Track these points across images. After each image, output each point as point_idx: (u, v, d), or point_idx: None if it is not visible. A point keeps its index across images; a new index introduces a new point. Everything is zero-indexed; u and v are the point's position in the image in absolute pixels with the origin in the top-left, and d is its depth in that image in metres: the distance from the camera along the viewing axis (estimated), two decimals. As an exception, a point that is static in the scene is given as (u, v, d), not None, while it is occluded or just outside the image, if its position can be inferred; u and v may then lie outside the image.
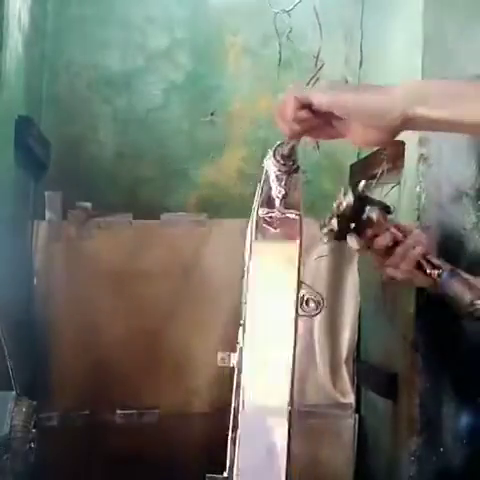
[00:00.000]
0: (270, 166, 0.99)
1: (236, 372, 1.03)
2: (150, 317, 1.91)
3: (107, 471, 1.82)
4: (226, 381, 1.89)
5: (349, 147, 2.13)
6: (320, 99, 0.87)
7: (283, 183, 0.98)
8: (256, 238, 0.98)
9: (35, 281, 1.88)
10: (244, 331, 0.96)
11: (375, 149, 1.87)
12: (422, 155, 1.65)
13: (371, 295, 1.98)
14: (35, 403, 1.38)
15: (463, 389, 1.62)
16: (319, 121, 0.89)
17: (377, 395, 1.96)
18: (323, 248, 1.94)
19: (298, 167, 1.00)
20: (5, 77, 1.64)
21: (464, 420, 1.62)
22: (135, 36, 2.28)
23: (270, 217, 0.99)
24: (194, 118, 2.29)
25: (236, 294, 1.95)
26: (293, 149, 0.98)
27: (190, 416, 1.93)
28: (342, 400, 1.96)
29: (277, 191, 0.98)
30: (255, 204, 1.10)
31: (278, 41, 1.63)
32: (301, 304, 0.97)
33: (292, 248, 0.97)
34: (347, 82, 1.05)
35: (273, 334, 0.92)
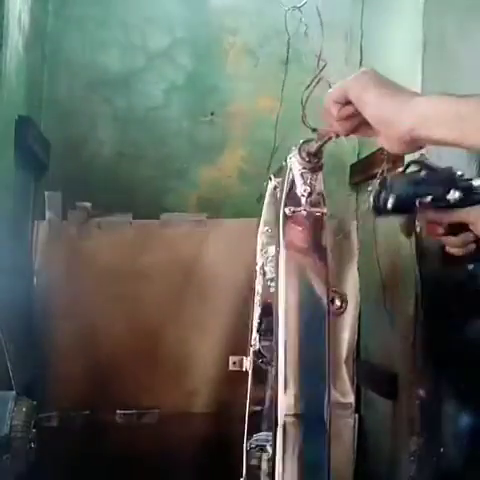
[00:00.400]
0: (295, 163, 0.98)
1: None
2: (150, 317, 1.90)
3: (107, 471, 1.82)
4: (226, 381, 1.90)
5: (349, 147, 2.13)
6: (351, 91, 0.87)
7: (308, 181, 0.98)
8: (283, 237, 0.97)
9: (35, 281, 1.88)
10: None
11: (375, 149, 1.87)
12: (422, 155, 1.65)
13: (371, 295, 1.98)
14: (35, 403, 1.38)
15: (463, 389, 1.62)
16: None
17: (377, 395, 1.96)
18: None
19: (322, 165, 1.00)
20: (5, 77, 1.64)
21: (464, 420, 1.62)
22: (135, 36, 2.28)
23: (296, 215, 0.98)
24: (194, 118, 2.29)
25: (236, 294, 1.95)
26: (321, 147, 0.97)
27: (190, 416, 1.93)
28: (342, 400, 1.96)
29: (302, 189, 0.98)
30: (265, 203, 1.09)
31: (282, 38, 1.63)
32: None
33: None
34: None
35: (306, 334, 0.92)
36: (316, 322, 0.91)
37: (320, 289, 0.94)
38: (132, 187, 2.20)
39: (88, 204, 1.93)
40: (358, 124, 0.90)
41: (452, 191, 0.96)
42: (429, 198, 0.98)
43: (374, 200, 1.04)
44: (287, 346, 0.91)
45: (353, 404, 1.97)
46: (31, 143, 1.86)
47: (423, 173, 1.00)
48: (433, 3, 1.71)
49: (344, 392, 1.96)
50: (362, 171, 2.11)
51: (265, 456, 1.17)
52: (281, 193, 1.00)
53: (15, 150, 1.75)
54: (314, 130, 0.97)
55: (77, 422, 1.88)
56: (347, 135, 0.94)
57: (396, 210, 1.03)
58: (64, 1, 2.26)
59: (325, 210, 0.98)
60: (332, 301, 0.98)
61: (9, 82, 1.69)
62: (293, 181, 0.99)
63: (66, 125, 2.21)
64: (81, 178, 2.14)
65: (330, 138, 0.95)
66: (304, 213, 0.97)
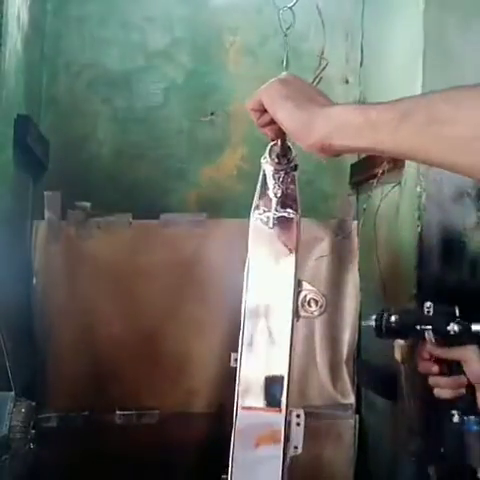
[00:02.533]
0: (266, 165, 0.99)
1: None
2: (150, 317, 1.90)
3: (107, 471, 1.82)
4: (226, 381, 1.90)
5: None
6: (264, 102, 0.89)
7: (280, 182, 0.98)
8: (252, 239, 0.98)
9: (34, 281, 1.87)
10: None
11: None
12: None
13: (371, 295, 1.97)
14: (34, 404, 1.38)
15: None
16: None
17: (377, 395, 1.96)
18: (323, 248, 1.93)
19: (296, 166, 1.00)
20: (4, 76, 1.64)
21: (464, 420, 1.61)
22: (135, 36, 2.28)
23: (266, 217, 0.98)
24: (194, 118, 2.28)
25: (236, 294, 1.95)
26: (286, 148, 0.97)
27: (190, 416, 1.93)
28: (342, 400, 1.96)
29: (274, 190, 0.98)
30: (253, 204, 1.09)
31: (282, 38, 1.62)
32: (302, 305, 0.96)
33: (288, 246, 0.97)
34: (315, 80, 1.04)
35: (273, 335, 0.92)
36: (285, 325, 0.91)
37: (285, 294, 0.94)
38: (132, 187, 2.19)
39: (87, 204, 1.93)
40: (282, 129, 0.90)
41: (452, 324, 1.09)
42: (430, 327, 1.07)
43: (376, 319, 1.11)
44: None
45: (353, 404, 1.97)
46: (30, 142, 1.86)
47: (427, 304, 1.08)
48: (433, 3, 1.71)
49: (344, 392, 1.96)
50: (362, 171, 2.10)
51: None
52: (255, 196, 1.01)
53: (14, 149, 1.75)
54: None
55: (77, 422, 1.88)
56: (279, 139, 0.96)
57: (397, 333, 1.12)
58: (64, 0, 2.25)
59: (297, 212, 0.98)
60: (308, 303, 0.98)
61: (8, 81, 1.69)
62: (265, 182, 0.99)
63: (65, 124, 2.20)
64: (80, 178, 2.13)
65: (276, 142, 0.97)
66: (274, 214, 0.98)
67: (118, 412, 1.89)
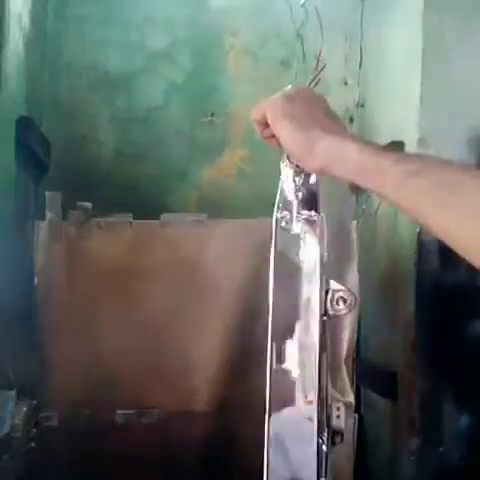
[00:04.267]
0: (286, 169, 0.99)
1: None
2: (150, 317, 1.90)
3: (107, 471, 1.82)
4: (226, 381, 1.90)
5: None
6: (268, 119, 0.89)
7: (300, 184, 0.98)
8: (275, 242, 0.98)
9: (35, 281, 1.88)
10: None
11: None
12: (422, 155, 1.66)
13: (371, 295, 1.98)
14: (35, 403, 1.39)
15: (463, 389, 1.62)
16: None
17: (377, 395, 1.97)
18: (323, 248, 1.94)
19: None
20: (6, 77, 1.64)
21: (464, 420, 1.62)
22: (135, 36, 2.28)
23: (288, 220, 0.98)
24: (194, 118, 2.29)
25: (237, 294, 1.96)
26: None
27: (190, 416, 1.93)
28: (341, 399, 1.96)
29: (294, 193, 0.98)
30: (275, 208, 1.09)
31: (283, 39, 1.64)
32: (331, 304, 0.97)
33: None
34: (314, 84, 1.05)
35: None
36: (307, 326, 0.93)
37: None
38: (132, 187, 2.20)
39: (88, 204, 1.93)
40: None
41: None
42: None
43: None
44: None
45: (353, 404, 1.97)
46: (32, 143, 1.86)
47: None
48: (433, 3, 1.71)
49: (344, 392, 1.96)
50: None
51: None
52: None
53: (16, 150, 1.75)
54: None
55: (77, 422, 1.88)
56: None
57: None
58: (64, 1, 2.26)
59: (319, 213, 0.98)
60: (337, 302, 0.98)
61: (10, 82, 1.69)
62: (286, 186, 1.00)
63: (66, 125, 2.21)
64: (81, 178, 2.14)
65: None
66: (296, 217, 0.98)
67: (119, 411, 1.90)
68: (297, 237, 0.99)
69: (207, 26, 2.31)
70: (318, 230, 0.98)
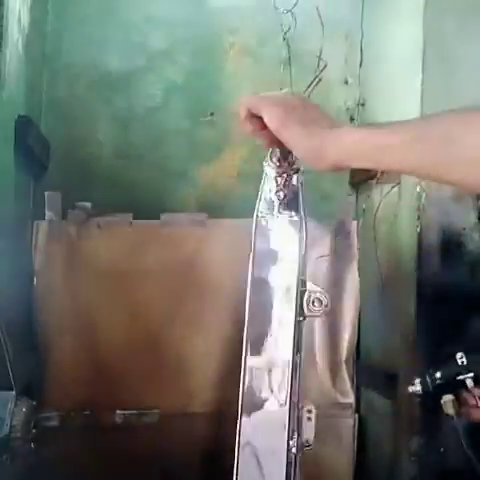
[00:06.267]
0: (268, 169, 1.00)
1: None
2: (150, 317, 1.90)
3: (107, 471, 1.82)
4: (226, 381, 1.90)
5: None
6: (268, 121, 0.89)
7: (282, 185, 0.99)
8: (254, 242, 0.98)
9: (35, 281, 1.88)
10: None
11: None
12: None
13: (371, 295, 1.98)
14: (35, 403, 1.38)
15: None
16: None
17: (377, 395, 1.97)
18: (323, 248, 1.94)
19: (298, 168, 1.00)
20: (5, 77, 1.64)
21: (464, 420, 1.62)
22: (135, 36, 2.28)
23: (269, 220, 0.99)
24: (194, 118, 2.29)
25: (236, 294, 1.95)
26: (286, 151, 0.98)
27: (190, 416, 1.93)
28: (342, 400, 1.96)
29: (275, 193, 0.99)
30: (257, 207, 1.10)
31: (283, 39, 1.63)
32: (307, 304, 0.97)
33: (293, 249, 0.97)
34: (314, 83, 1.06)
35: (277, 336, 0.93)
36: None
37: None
38: (132, 187, 2.20)
39: (88, 204, 1.93)
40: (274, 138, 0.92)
41: None
42: (471, 374, 1.16)
43: (421, 382, 1.29)
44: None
45: (353, 404, 1.97)
46: (31, 143, 1.86)
47: (459, 355, 1.25)
48: (433, 3, 1.71)
49: (344, 392, 1.96)
50: (362, 171, 2.11)
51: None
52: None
53: (15, 150, 1.75)
54: None
55: (77, 422, 1.88)
56: (269, 147, 0.97)
57: (444, 388, 1.20)
58: (64, 1, 2.26)
59: (299, 214, 0.99)
60: (313, 303, 0.99)
61: (9, 82, 1.69)
62: (267, 186, 1.00)
63: (66, 125, 2.21)
64: (81, 178, 2.14)
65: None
66: (277, 217, 0.98)
67: (118, 411, 1.90)
68: (278, 236, 0.99)
69: (207, 26, 2.31)
70: (298, 230, 0.99)
